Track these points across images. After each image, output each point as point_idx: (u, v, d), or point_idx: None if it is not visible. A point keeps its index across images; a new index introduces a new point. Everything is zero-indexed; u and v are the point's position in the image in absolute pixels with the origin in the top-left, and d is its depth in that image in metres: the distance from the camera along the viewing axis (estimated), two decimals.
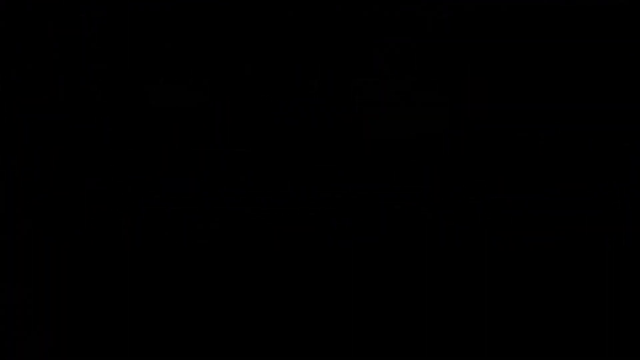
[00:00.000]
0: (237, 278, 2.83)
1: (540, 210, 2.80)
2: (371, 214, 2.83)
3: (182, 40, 2.91)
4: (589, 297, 2.76)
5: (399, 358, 2.78)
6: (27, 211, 2.84)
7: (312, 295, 2.81)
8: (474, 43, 2.85)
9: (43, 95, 2.89)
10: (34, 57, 2.90)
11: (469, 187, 2.83)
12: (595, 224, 2.78)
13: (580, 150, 2.81)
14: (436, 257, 2.80)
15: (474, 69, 2.85)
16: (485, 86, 2.85)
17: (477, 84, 2.85)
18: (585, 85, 2.83)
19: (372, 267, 2.81)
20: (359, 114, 2.86)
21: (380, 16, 2.87)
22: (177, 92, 2.90)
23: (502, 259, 2.79)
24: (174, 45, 2.91)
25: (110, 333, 2.82)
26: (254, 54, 2.90)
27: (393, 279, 2.80)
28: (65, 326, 2.82)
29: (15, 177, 2.86)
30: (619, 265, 2.77)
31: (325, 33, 2.88)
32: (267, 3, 2.90)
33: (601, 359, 2.74)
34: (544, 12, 2.84)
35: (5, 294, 2.81)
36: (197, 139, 2.88)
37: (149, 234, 2.85)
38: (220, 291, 2.83)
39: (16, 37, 2.90)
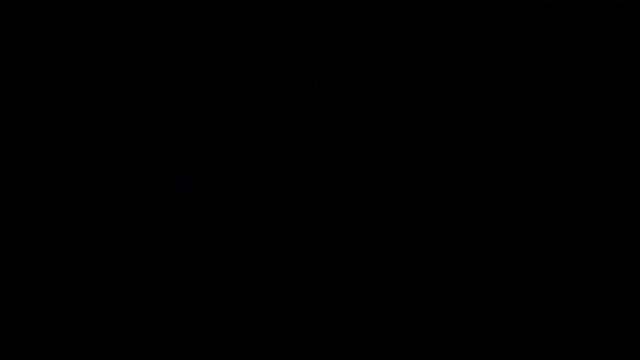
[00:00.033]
0: (237, 278, 2.83)
1: (540, 210, 2.80)
2: (371, 214, 2.83)
3: (182, 40, 2.91)
4: (589, 297, 2.76)
5: (399, 358, 2.78)
6: (27, 211, 2.84)
7: (312, 295, 2.81)
8: (474, 43, 2.85)
9: (43, 95, 2.89)
10: (34, 57, 2.90)
11: (469, 187, 2.83)
12: (595, 224, 2.78)
13: (580, 150, 2.81)
14: (436, 257, 2.80)
15: (474, 69, 2.85)
16: (485, 86, 2.85)
17: (477, 84, 2.85)
18: (585, 85, 2.83)
19: (372, 267, 2.81)
20: (359, 114, 2.86)
21: (380, 16, 2.87)
22: (177, 92, 2.90)
23: (502, 259, 2.79)
24: (174, 45, 2.91)
25: (110, 333, 2.82)
26: (254, 54, 2.90)
27: (393, 279, 2.80)
28: (65, 326, 2.82)
29: (15, 177, 2.86)
30: (619, 265, 2.77)
31: (325, 33, 2.88)
32: (267, 3, 2.90)
33: (601, 359, 2.74)
34: (544, 12, 2.84)
35: (5, 294, 2.81)
36: (197, 139, 2.88)
37: (149, 234, 2.85)
38: (221, 291, 2.83)
39: (16, 37, 2.90)
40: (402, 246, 2.81)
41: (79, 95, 2.90)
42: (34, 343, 2.80)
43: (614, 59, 2.82)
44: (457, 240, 2.80)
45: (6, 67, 2.89)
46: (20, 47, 2.90)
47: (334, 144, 2.86)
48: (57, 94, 2.89)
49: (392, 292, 2.80)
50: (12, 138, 2.87)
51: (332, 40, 2.88)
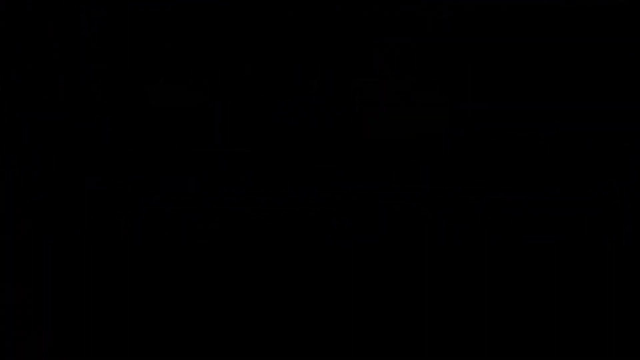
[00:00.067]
0: (238, 278, 2.83)
1: (540, 210, 2.80)
2: (371, 214, 2.83)
3: (182, 40, 2.91)
4: (589, 297, 2.76)
5: (399, 358, 2.78)
6: (27, 211, 2.84)
7: (312, 295, 2.81)
8: (474, 43, 2.85)
9: (43, 95, 2.89)
10: (34, 57, 2.90)
11: (469, 187, 2.83)
12: (595, 224, 2.78)
13: (580, 150, 2.81)
14: (436, 257, 2.80)
15: (474, 69, 2.85)
16: (485, 86, 2.85)
17: (477, 84, 2.85)
18: (585, 85, 2.83)
19: (372, 267, 2.81)
20: (359, 114, 2.86)
21: (380, 16, 2.87)
22: (177, 92, 2.90)
23: (502, 259, 2.79)
24: (174, 45, 2.91)
25: (110, 333, 2.82)
26: (254, 54, 2.90)
27: (393, 279, 2.80)
28: (65, 326, 2.82)
29: (15, 177, 2.86)
30: (619, 265, 2.77)
31: (325, 33, 2.88)
32: (267, 3, 2.90)
33: (601, 359, 2.74)
34: (544, 12, 2.84)
35: (5, 294, 2.81)
36: (197, 139, 2.88)
37: (149, 234, 2.85)
38: (221, 291, 2.83)
39: (16, 37, 2.90)
40: (402, 246, 2.81)
41: (79, 95, 2.90)
42: (34, 343, 2.80)
43: (614, 59, 2.82)
44: (457, 240, 2.80)
45: (6, 67, 2.89)
46: (20, 47, 2.90)
47: (334, 144, 2.86)
48: (57, 94, 2.89)
49: (392, 292, 2.80)
50: (12, 138, 2.87)
51: (332, 40, 2.88)
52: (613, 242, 2.77)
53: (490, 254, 2.79)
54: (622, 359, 2.73)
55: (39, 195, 2.85)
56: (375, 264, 2.81)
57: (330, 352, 2.79)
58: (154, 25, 2.91)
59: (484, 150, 2.83)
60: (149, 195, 2.86)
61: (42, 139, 2.87)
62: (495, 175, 2.82)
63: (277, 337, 2.80)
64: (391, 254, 2.81)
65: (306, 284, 2.81)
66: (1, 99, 2.88)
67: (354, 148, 2.85)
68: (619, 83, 2.82)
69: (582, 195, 2.80)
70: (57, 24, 2.90)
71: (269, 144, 2.87)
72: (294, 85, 2.88)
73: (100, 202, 2.86)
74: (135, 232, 2.85)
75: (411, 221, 2.82)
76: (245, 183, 2.86)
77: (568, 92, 2.83)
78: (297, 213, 2.83)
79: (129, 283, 2.83)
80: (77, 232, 2.85)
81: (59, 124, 2.88)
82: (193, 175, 2.87)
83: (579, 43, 2.83)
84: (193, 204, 2.85)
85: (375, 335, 2.79)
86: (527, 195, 2.81)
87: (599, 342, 2.75)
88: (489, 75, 2.85)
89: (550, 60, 2.84)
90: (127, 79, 2.91)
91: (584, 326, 2.75)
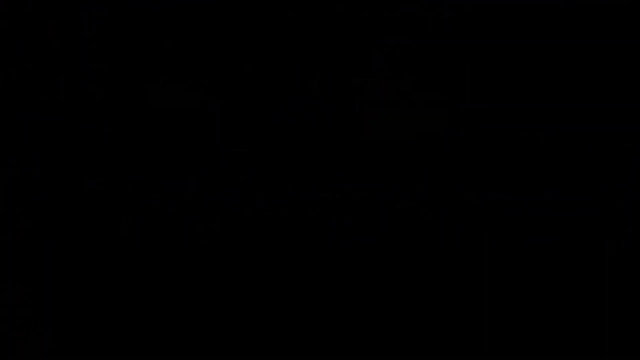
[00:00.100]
0: (238, 278, 2.83)
1: (540, 210, 2.80)
2: (371, 214, 2.83)
3: (182, 40, 2.91)
4: (589, 297, 2.76)
5: (399, 358, 2.78)
6: (27, 211, 2.84)
7: (312, 295, 2.81)
8: (474, 43, 2.85)
9: (43, 95, 2.89)
10: (34, 57, 2.90)
11: (469, 187, 2.82)
12: (595, 224, 2.78)
13: (580, 150, 2.81)
14: (436, 257, 2.80)
15: (474, 69, 2.85)
16: (485, 86, 2.85)
17: (477, 84, 2.85)
18: (585, 85, 2.83)
19: (372, 267, 2.81)
20: (359, 114, 2.86)
21: (380, 16, 2.87)
22: (177, 92, 2.90)
23: (502, 259, 2.79)
24: (174, 45, 2.91)
25: (110, 333, 2.82)
26: (253, 54, 2.90)
27: (393, 279, 2.80)
28: (65, 326, 2.82)
29: (15, 177, 2.86)
30: (619, 265, 2.77)
31: (325, 33, 2.88)
32: (267, 3, 2.90)
33: (601, 359, 2.74)
34: (544, 12, 2.84)
35: (5, 294, 2.81)
36: (197, 139, 2.88)
37: (149, 234, 2.85)
38: (221, 291, 2.83)
39: (16, 37, 2.90)
40: (402, 246, 2.81)
41: (79, 95, 2.90)
42: (34, 343, 2.80)
43: (614, 59, 2.82)
44: (457, 240, 2.80)
45: (6, 67, 2.89)
46: (20, 47, 2.90)
47: (334, 144, 2.86)
48: (57, 94, 2.89)
49: (392, 292, 2.80)
50: (12, 138, 2.87)
51: (332, 40, 2.88)
52: (613, 242, 2.77)
53: (490, 254, 2.79)
54: (622, 359, 2.73)
55: (39, 195, 2.85)
56: (375, 264, 2.81)
57: (330, 352, 2.79)
58: (154, 26, 2.91)
59: (484, 150, 2.83)
60: (149, 195, 2.86)
61: (42, 139, 2.87)
62: (495, 175, 2.82)
63: (277, 337, 2.80)
64: (391, 254, 2.81)
65: (306, 283, 2.81)
66: (1, 99, 2.88)
67: (354, 148, 2.85)
68: (619, 83, 2.82)
69: (582, 195, 2.80)
70: (57, 24, 2.90)
71: (269, 144, 2.87)
72: (294, 85, 2.88)
73: (100, 202, 2.86)
74: (135, 232, 2.85)
75: (411, 221, 2.82)
76: (245, 183, 2.86)
77: (568, 92, 2.83)
78: (297, 213, 2.83)
79: (129, 283, 2.83)
80: (77, 232, 2.85)
81: (59, 124, 2.88)
82: (193, 175, 2.87)
83: (579, 43, 2.83)
84: (193, 204, 2.85)
85: (375, 335, 2.79)
86: (527, 195, 2.81)
87: (599, 342, 2.75)
88: (489, 75, 2.85)
89: (550, 60, 2.84)
90: (127, 79, 2.91)
91: (584, 326, 2.75)
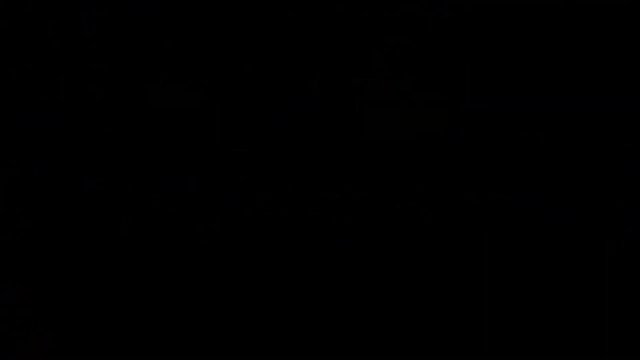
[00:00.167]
0: (237, 278, 2.83)
1: (540, 210, 2.80)
2: (371, 214, 2.83)
3: (182, 40, 2.91)
4: (589, 297, 2.76)
5: (399, 358, 2.78)
6: (27, 211, 2.84)
7: (312, 295, 2.81)
8: (474, 43, 2.85)
9: (43, 95, 2.89)
10: (34, 57, 2.90)
11: (469, 187, 2.83)
12: (595, 224, 2.78)
13: (580, 150, 2.81)
14: (436, 257, 2.80)
15: (474, 69, 2.85)
16: (485, 86, 2.85)
17: (477, 84, 2.85)
18: (585, 85, 2.83)
19: (372, 267, 2.81)
20: (359, 114, 2.86)
21: (380, 16, 2.87)
22: (177, 92, 2.90)
23: (502, 259, 2.79)
24: (174, 45, 2.91)
25: (110, 333, 2.82)
26: (253, 54, 2.90)
27: (393, 279, 2.80)
28: (65, 326, 2.82)
29: (15, 177, 2.86)
30: (619, 265, 2.77)
31: (325, 33, 2.88)
32: (267, 3, 2.90)
33: (601, 359, 2.74)
34: (544, 12, 2.84)
35: (5, 294, 2.81)
36: (197, 139, 2.88)
37: (149, 234, 2.85)
38: (221, 291, 2.83)
39: (16, 37, 2.90)
40: (402, 246, 2.81)
41: (79, 95, 2.90)
42: (34, 343, 2.80)
43: (614, 59, 2.82)
44: (457, 240, 2.80)
45: (6, 67, 2.89)
46: (20, 47, 2.90)
47: (334, 144, 2.86)
48: (57, 94, 2.89)
49: (392, 292, 2.80)
50: (12, 138, 2.87)
51: (332, 40, 2.88)
52: (613, 242, 2.77)
53: (490, 254, 2.79)
54: (622, 359, 2.73)
55: (39, 195, 2.85)
56: (376, 264, 2.81)
57: (330, 352, 2.79)
58: (154, 26, 2.91)
59: (484, 150, 2.83)
60: (149, 195, 2.86)
61: (42, 139, 2.87)
62: (495, 175, 2.82)
63: (277, 337, 2.80)
64: (391, 254, 2.81)
65: (306, 283, 2.81)
66: (1, 99, 2.88)
67: (354, 148, 2.85)
68: (619, 83, 2.82)
69: (582, 195, 2.80)
70: (57, 24, 2.90)
71: (269, 144, 2.87)
72: (294, 85, 2.88)
73: (100, 202, 2.86)
74: (135, 232, 2.85)
75: (411, 221, 2.82)
76: (245, 183, 2.86)
77: (568, 92, 2.83)
78: (297, 213, 2.83)
79: (129, 283, 2.83)
80: (77, 232, 2.85)
81: (59, 124, 2.88)
82: (193, 175, 2.87)
83: (579, 43, 2.83)
84: (193, 204, 2.85)
85: (375, 335, 2.79)
86: (527, 195, 2.81)
87: (599, 342, 2.75)
88: (489, 75, 2.85)
89: (550, 60, 2.84)
90: (127, 79, 2.91)
91: (584, 326, 2.75)
